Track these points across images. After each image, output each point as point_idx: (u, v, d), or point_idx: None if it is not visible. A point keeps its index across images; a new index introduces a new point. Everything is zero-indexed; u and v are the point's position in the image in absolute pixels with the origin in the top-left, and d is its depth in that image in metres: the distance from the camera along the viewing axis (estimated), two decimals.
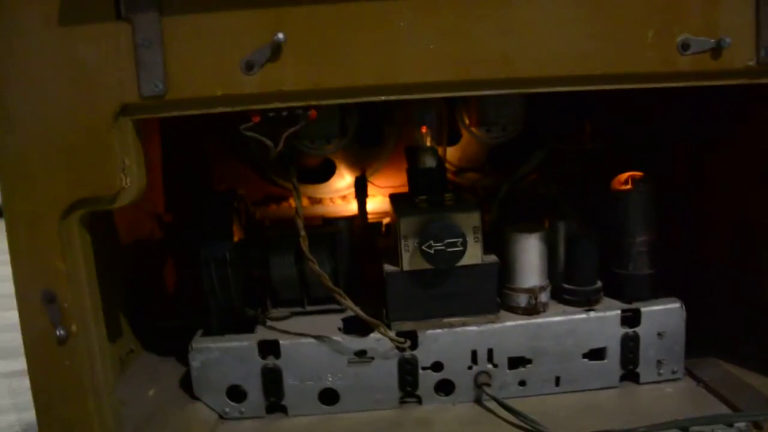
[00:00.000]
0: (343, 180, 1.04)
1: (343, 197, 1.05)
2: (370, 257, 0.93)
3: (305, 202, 1.04)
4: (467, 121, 0.94)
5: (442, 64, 0.62)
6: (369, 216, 1.00)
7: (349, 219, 0.95)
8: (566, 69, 0.64)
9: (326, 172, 1.03)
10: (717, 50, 0.65)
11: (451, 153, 1.03)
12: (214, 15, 0.61)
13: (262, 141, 0.68)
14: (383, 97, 0.63)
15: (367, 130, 0.97)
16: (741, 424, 0.74)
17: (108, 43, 0.61)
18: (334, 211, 1.04)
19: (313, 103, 0.64)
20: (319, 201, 1.06)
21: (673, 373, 0.86)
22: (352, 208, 1.03)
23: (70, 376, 0.66)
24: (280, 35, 0.60)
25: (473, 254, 0.79)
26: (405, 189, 0.92)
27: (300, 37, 0.61)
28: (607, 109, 0.98)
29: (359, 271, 0.94)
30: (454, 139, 1.01)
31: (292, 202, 1.03)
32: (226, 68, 0.62)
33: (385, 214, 1.04)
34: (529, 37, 0.63)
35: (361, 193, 0.97)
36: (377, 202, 1.05)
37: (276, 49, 0.61)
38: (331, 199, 1.05)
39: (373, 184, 1.02)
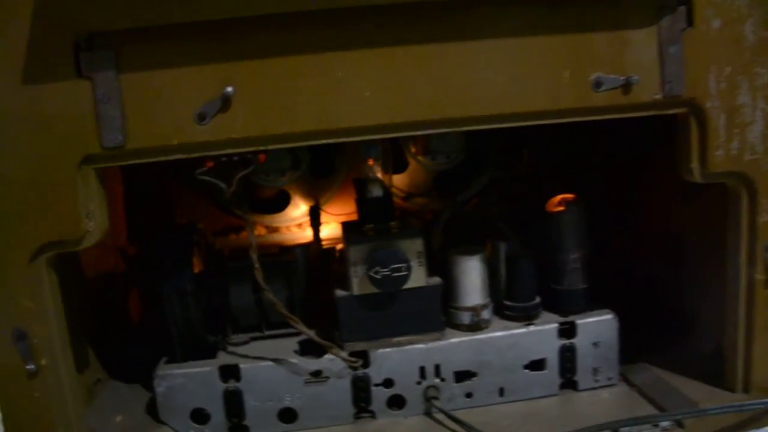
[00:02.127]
0: (299, 209, 1.09)
1: (299, 225, 1.11)
2: (326, 281, 0.98)
3: (263, 231, 1.10)
4: (413, 150, 1.00)
5: (377, 109, 0.68)
6: (324, 242, 1.06)
7: (304, 246, 1.00)
8: (491, 109, 0.71)
9: (282, 202, 1.08)
10: (627, 86, 0.73)
11: (400, 180, 1.09)
12: (168, 71, 0.66)
13: (217, 184, 0.73)
14: (325, 141, 0.69)
15: (320, 162, 1.03)
16: (665, 423, 0.82)
17: (70, 99, 0.66)
18: (291, 239, 1.09)
19: (262, 148, 0.69)
20: (276, 229, 1.11)
21: (609, 379, 0.92)
22: (307, 235, 1.08)
23: (41, 407, 0.71)
24: (229, 89, 0.66)
25: (418, 277, 0.85)
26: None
27: (247, 89, 0.67)
28: (544, 137, 1.05)
29: (316, 295, 0.99)
30: (401, 167, 1.07)
31: None
32: (180, 119, 0.67)
33: (339, 240, 1.09)
34: (456, 82, 0.69)
35: (315, 222, 1.02)
36: (332, 229, 1.11)
37: (226, 101, 0.66)
38: (287, 227, 1.11)
39: (326, 212, 1.08)
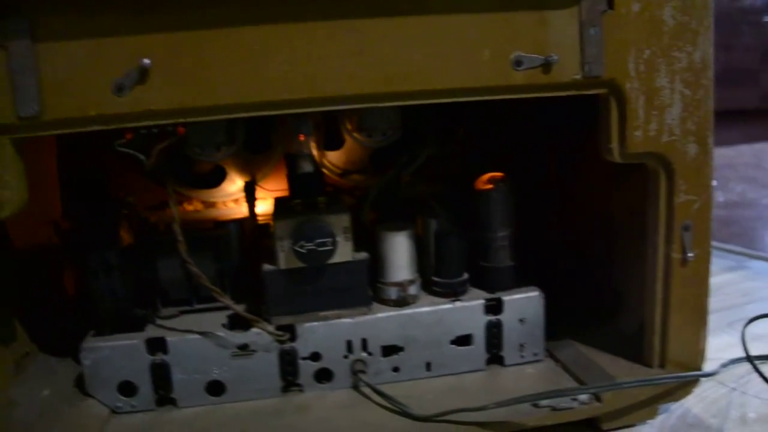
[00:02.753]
0: (235, 184, 1.09)
1: (236, 200, 1.11)
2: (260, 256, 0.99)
3: (199, 206, 1.10)
4: (349, 127, 1.01)
5: (295, 84, 0.69)
6: (259, 218, 1.06)
7: (238, 221, 1.00)
8: (411, 85, 0.71)
9: (218, 177, 1.08)
10: (547, 66, 0.74)
11: (336, 156, 1.10)
12: (85, 42, 0.66)
13: (135, 156, 0.73)
14: (244, 115, 0.69)
15: (256, 138, 1.02)
16: (583, 396, 0.84)
17: None
18: (227, 214, 1.09)
19: (181, 120, 0.69)
20: (213, 204, 1.11)
21: (535, 355, 0.94)
22: (244, 210, 1.08)
23: None
24: (146, 61, 0.65)
25: (344, 252, 0.86)
26: None
27: (165, 61, 0.66)
28: (481, 115, 1.06)
29: (249, 270, 1.00)
30: (338, 144, 1.07)
31: (186, 207, 1.09)
32: (97, 90, 0.66)
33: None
34: (376, 58, 0.69)
35: (250, 197, 1.03)
36: (269, 205, 1.11)
37: (143, 73, 0.66)
38: (224, 202, 1.11)
39: (263, 188, 1.08)
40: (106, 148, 1.00)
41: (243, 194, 1.06)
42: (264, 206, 1.09)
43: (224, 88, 0.68)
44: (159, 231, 1.03)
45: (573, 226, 1.09)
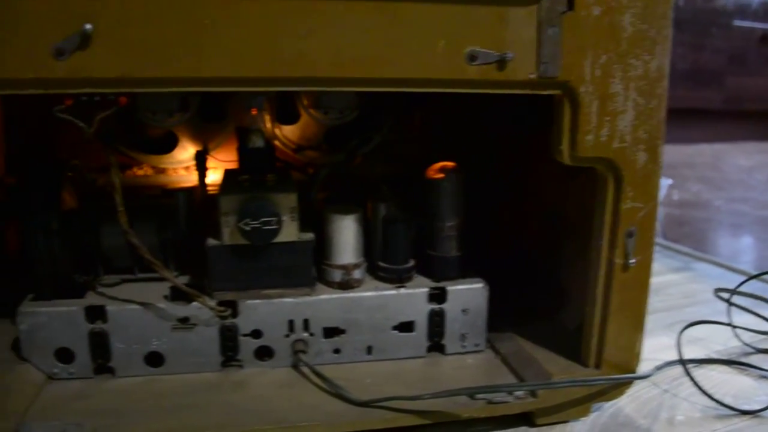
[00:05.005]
0: (187, 152, 1.07)
1: (187, 168, 1.09)
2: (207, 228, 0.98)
3: (149, 171, 1.08)
4: (306, 103, 0.99)
5: (245, 62, 0.67)
6: (210, 188, 1.04)
7: (186, 190, 0.98)
8: (362, 71, 0.70)
9: (170, 144, 1.06)
10: (501, 63, 0.73)
11: (291, 131, 1.09)
12: (26, 2, 0.63)
13: (75, 123, 0.71)
14: (186, 89, 0.67)
15: (210, 107, 1.01)
16: (520, 393, 0.85)
17: None
18: (177, 182, 1.08)
19: (124, 90, 0.68)
20: (163, 171, 1.09)
21: (476, 345, 0.95)
22: (195, 179, 1.07)
23: None
24: (88, 26, 0.63)
25: (290, 232, 0.85)
26: None
27: (109, 28, 0.64)
28: (440, 102, 1.05)
29: (197, 240, 0.98)
30: (293, 118, 1.06)
31: (136, 171, 1.07)
32: (36, 53, 0.64)
33: None
34: (328, 41, 0.68)
35: (201, 166, 1.01)
36: (220, 175, 1.09)
37: (85, 39, 0.64)
38: (174, 169, 1.09)
39: (215, 158, 1.06)
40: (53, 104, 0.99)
41: (194, 162, 1.05)
42: (216, 176, 1.08)
43: (170, 61, 0.66)
44: (105, 195, 1.01)
45: (525, 220, 1.10)
